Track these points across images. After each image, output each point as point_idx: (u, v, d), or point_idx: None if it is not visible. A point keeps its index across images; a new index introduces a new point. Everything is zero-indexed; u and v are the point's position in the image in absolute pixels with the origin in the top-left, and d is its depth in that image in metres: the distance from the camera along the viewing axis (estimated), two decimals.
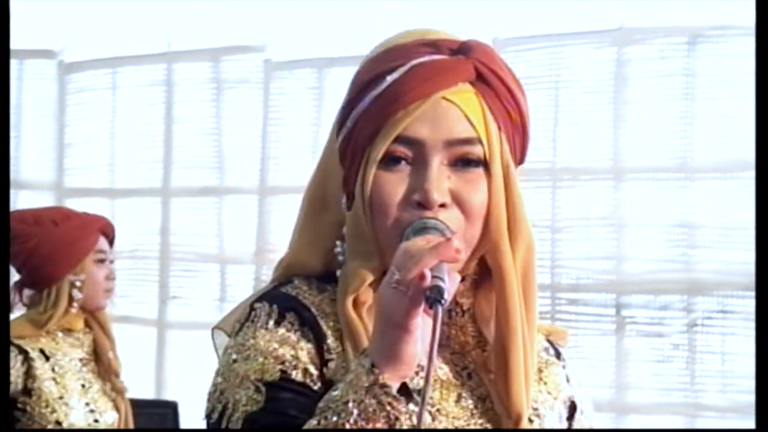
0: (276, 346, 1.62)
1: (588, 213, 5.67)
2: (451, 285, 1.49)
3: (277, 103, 6.16)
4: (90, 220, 4.02)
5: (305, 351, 1.63)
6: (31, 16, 6.66)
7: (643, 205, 5.56)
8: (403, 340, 1.49)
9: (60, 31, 6.72)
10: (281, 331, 1.64)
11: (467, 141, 1.64)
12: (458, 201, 1.63)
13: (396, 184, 1.63)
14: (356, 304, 1.64)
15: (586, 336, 5.62)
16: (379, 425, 1.48)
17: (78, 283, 3.91)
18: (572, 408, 1.82)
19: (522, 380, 1.66)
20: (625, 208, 5.58)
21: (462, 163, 1.64)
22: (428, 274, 1.46)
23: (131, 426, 3.99)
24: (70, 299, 3.91)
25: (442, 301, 1.46)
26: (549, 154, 5.71)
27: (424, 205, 1.60)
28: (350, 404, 1.49)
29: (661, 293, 5.50)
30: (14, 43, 6.70)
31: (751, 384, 5.28)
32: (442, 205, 1.61)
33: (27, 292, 3.98)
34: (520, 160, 1.72)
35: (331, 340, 1.65)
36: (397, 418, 1.49)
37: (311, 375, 1.62)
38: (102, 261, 3.97)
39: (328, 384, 1.59)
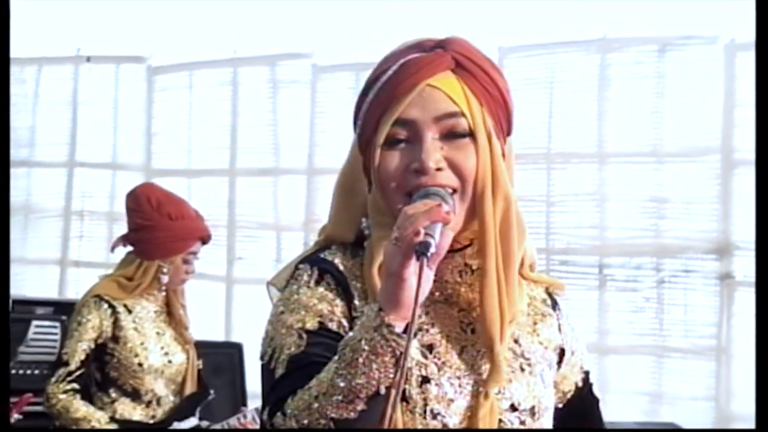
0: (315, 301, 1.64)
1: (576, 190, 5.66)
2: (443, 240, 1.50)
3: (322, 100, 6.18)
4: (195, 227, 3.96)
5: (339, 307, 1.64)
6: (127, 29, 6.68)
7: (621, 183, 5.55)
8: (399, 286, 1.49)
9: (148, 40, 6.73)
10: (320, 289, 1.65)
11: (452, 115, 1.64)
12: (452, 166, 1.62)
13: (397, 158, 1.63)
14: (380, 269, 1.61)
15: (574, 291, 5.60)
16: (386, 359, 1.47)
17: (165, 270, 3.91)
18: (561, 353, 1.80)
19: (495, 313, 1.63)
20: (607, 186, 5.58)
21: (451, 135, 1.64)
22: (421, 231, 1.47)
23: (195, 368, 3.99)
24: (156, 279, 3.91)
25: (428, 254, 1.47)
26: (545, 142, 5.70)
27: (421, 171, 1.61)
28: (362, 342, 1.48)
29: (636, 256, 5.49)
30: (112, 50, 6.80)
31: (708, 330, 5.28)
32: (439, 170, 1.62)
33: (125, 246, 3.98)
34: (507, 130, 1.73)
35: (357, 300, 1.65)
36: (401, 353, 1.48)
37: (344, 327, 1.62)
38: (189, 260, 3.96)
39: None
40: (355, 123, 1.72)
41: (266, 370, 1.62)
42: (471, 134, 1.64)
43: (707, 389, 5.25)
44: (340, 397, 1.48)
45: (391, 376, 1.48)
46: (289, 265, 1.74)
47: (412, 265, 1.49)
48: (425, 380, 1.61)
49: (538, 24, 5.66)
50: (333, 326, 1.62)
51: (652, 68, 5.49)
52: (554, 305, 1.81)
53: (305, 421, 1.49)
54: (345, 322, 1.63)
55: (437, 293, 1.66)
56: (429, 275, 1.51)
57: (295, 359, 1.58)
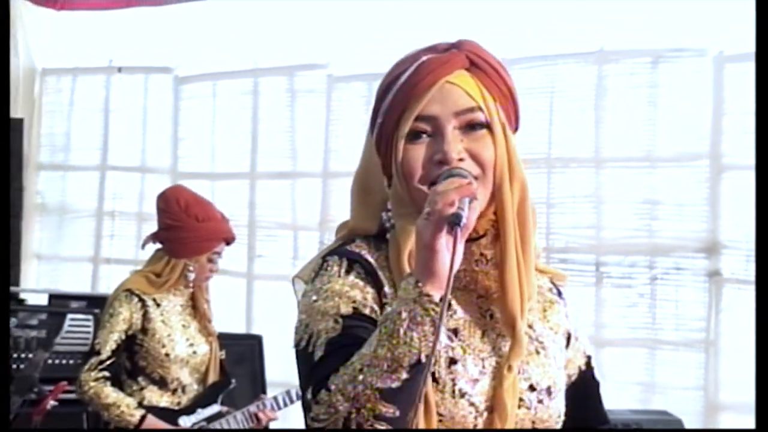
0: (348, 288, 1.63)
1: (575, 192, 5.63)
2: (472, 214, 1.52)
3: (336, 108, 6.17)
4: (220, 229, 3.97)
5: (370, 294, 1.64)
6: (155, 42, 6.71)
7: (617, 186, 5.52)
8: (433, 258, 1.49)
9: (175, 52, 6.75)
10: (351, 278, 1.64)
11: (470, 109, 1.65)
12: (473, 156, 1.64)
13: (420, 152, 1.64)
14: (409, 256, 1.64)
15: (573, 287, 5.58)
16: (426, 327, 1.47)
17: (191, 268, 3.92)
18: (568, 338, 1.81)
19: (516, 292, 1.65)
20: (603, 189, 5.55)
21: (470, 127, 1.65)
22: (455, 203, 1.49)
23: (218, 358, 4.00)
24: (183, 276, 3.92)
25: (461, 224, 1.48)
26: (545, 147, 5.68)
27: (445, 162, 1.62)
28: (403, 313, 1.48)
29: (630, 254, 5.47)
30: (141, 62, 6.83)
31: (697, 324, 5.27)
32: (461, 160, 1.63)
33: (155, 244, 3.99)
34: (515, 125, 1.74)
35: (387, 288, 1.65)
36: (440, 320, 1.48)
37: (375, 312, 1.62)
38: (213, 259, 3.97)
39: None
40: (373, 124, 1.72)
41: (303, 354, 1.60)
42: (488, 126, 1.66)
43: (697, 379, 5.24)
44: (384, 367, 1.47)
45: (431, 344, 1.48)
46: (314, 259, 1.73)
47: (443, 237, 1.49)
48: (452, 362, 1.61)
49: (540, 37, 5.66)
50: (366, 311, 1.61)
51: (645, 79, 5.47)
52: (559, 293, 1.83)
53: (352, 394, 1.47)
54: (377, 308, 1.62)
55: (457, 282, 1.64)
56: (459, 248, 1.50)
57: (332, 342, 1.57)
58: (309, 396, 1.53)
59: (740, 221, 5.21)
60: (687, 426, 4.38)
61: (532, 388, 1.67)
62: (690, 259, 5.32)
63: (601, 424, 1.83)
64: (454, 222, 1.48)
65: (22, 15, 6.99)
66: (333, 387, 1.49)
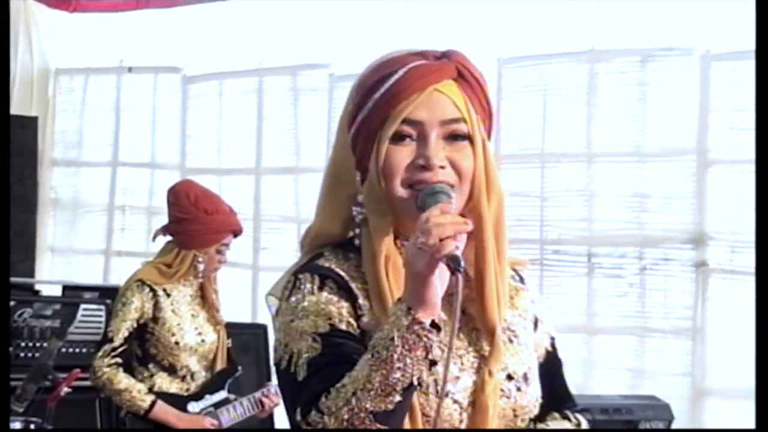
0: (323, 306, 1.60)
1: (567, 187, 5.63)
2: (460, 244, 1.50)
3: (338, 106, 6.10)
4: (228, 222, 3.95)
5: (345, 308, 1.60)
6: (164, 43, 6.70)
7: (607, 180, 5.51)
8: (426, 287, 1.49)
9: (183, 53, 6.74)
10: (324, 294, 1.61)
11: (456, 120, 1.63)
12: (453, 165, 1.62)
13: (404, 154, 1.62)
14: (385, 262, 1.61)
15: (566, 277, 5.59)
16: (419, 353, 1.47)
17: (200, 259, 3.91)
18: (535, 322, 1.79)
19: (495, 302, 1.64)
20: (594, 183, 5.54)
21: (452, 138, 1.63)
22: (451, 244, 1.47)
23: (225, 346, 4.00)
24: (192, 267, 3.91)
25: (461, 269, 1.47)
26: (539, 143, 5.67)
27: (427, 167, 1.60)
28: (395, 339, 1.47)
29: (621, 245, 5.46)
30: (150, 62, 6.83)
31: (685, 312, 5.27)
32: (441, 167, 1.61)
33: (164, 236, 3.99)
34: (489, 137, 1.72)
35: (361, 299, 1.62)
36: (431, 346, 1.48)
37: (352, 325, 1.60)
38: (221, 251, 3.96)
39: (363, 334, 1.59)
40: (351, 120, 1.69)
41: (286, 375, 1.58)
42: (469, 138, 1.64)
43: (684, 365, 5.24)
44: (378, 392, 1.47)
45: (423, 368, 1.48)
46: (285, 275, 1.69)
47: (438, 269, 1.48)
48: (433, 363, 1.56)
49: (533, 37, 5.66)
50: (342, 326, 1.59)
51: (635, 77, 5.46)
52: (521, 279, 1.81)
53: (345, 417, 1.47)
54: (353, 321, 1.60)
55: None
56: (460, 288, 1.49)
57: (314, 362, 1.55)
58: (298, 417, 1.52)
59: (726, 214, 5.21)
60: (675, 410, 4.37)
61: (509, 377, 1.66)
62: (677, 250, 5.31)
63: (565, 402, 1.80)
64: (454, 267, 1.47)
65: (36, 17, 6.98)
66: (325, 410, 1.49)
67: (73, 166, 7.14)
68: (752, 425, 5.08)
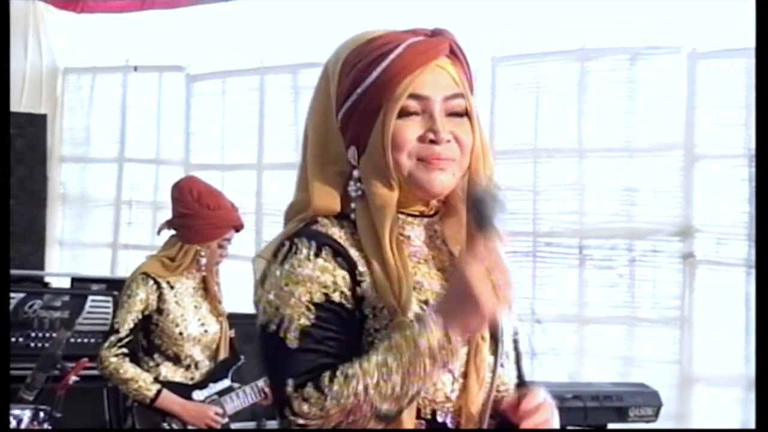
0: (318, 273, 1.54)
1: (559, 181, 5.64)
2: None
3: None
4: (230, 217, 3.93)
5: (341, 277, 1.55)
6: (169, 43, 6.70)
7: (598, 175, 5.53)
8: (476, 318, 1.49)
9: (187, 52, 6.74)
10: (320, 261, 1.55)
11: (456, 96, 1.61)
12: (456, 139, 1.59)
13: (413, 129, 1.58)
14: (390, 233, 1.58)
15: (558, 268, 5.60)
16: (442, 368, 1.50)
17: (203, 253, 3.91)
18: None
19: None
20: (585, 177, 5.55)
21: (454, 113, 1.60)
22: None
23: (228, 336, 4.00)
24: (195, 260, 3.92)
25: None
26: (531, 139, 5.69)
27: (436, 141, 1.58)
28: (425, 353, 1.47)
29: (611, 238, 5.47)
30: (155, 61, 6.82)
31: (673, 302, 5.28)
32: (448, 141, 1.59)
33: (168, 231, 3.98)
34: None
35: (360, 266, 1.57)
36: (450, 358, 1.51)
37: (346, 296, 1.55)
38: (223, 245, 3.96)
39: (359, 300, 1.55)
40: (344, 99, 1.63)
41: (274, 338, 1.53)
42: (467, 113, 1.62)
43: (672, 354, 5.25)
44: (392, 394, 1.46)
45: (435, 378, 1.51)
46: (277, 239, 1.63)
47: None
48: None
49: (526, 36, 5.66)
50: (336, 297, 1.54)
51: (624, 74, 5.47)
52: None
53: (349, 407, 1.46)
54: (347, 291, 1.55)
55: (416, 257, 1.63)
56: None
57: (307, 333, 1.52)
58: (289, 386, 1.50)
59: (712, 207, 5.22)
60: (663, 397, 4.38)
61: (494, 352, 1.64)
62: (666, 242, 5.33)
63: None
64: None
65: (45, 18, 6.98)
66: (329, 392, 1.47)
67: (81, 162, 7.14)
68: (738, 411, 5.12)
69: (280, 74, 6.45)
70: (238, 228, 4.00)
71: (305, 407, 1.49)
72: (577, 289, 5.50)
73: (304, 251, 1.56)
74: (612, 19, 5.41)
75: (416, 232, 1.64)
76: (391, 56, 1.59)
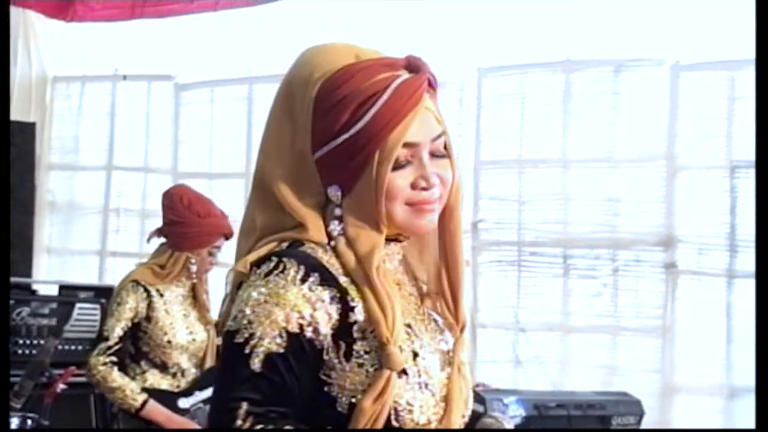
0: (301, 301, 1.51)
1: (544, 191, 5.64)
2: None
3: None
4: (220, 225, 3.93)
5: (322, 309, 1.52)
6: (158, 52, 6.70)
7: (582, 185, 5.53)
8: None
9: (176, 61, 6.75)
10: (305, 289, 1.52)
11: (440, 135, 1.60)
12: (440, 178, 1.60)
13: (404, 177, 1.57)
14: (378, 268, 1.57)
15: (542, 278, 5.61)
16: None
17: (193, 260, 3.91)
18: None
19: (463, 296, 1.66)
20: (570, 187, 5.56)
21: (437, 154, 1.60)
22: None
23: (215, 345, 4.01)
24: (185, 268, 3.92)
25: None
26: (517, 149, 5.69)
27: (427, 188, 1.58)
28: None
29: (595, 247, 5.48)
30: (144, 70, 6.81)
31: (655, 312, 5.29)
32: (435, 185, 1.59)
33: (158, 239, 3.99)
34: None
35: (351, 291, 1.55)
36: None
37: (318, 332, 1.52)
38: (213, 253, 3.97)
39: (351, 326, 1.53)
40: (324, 139, 1.58)
41: (238, 349, 1.50)
42: (447, 150, 1.62)
43: (654, 363, 5.26)
44: None
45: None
46: (261, 255, 1.57)
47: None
48: (415, 355, 1.57)
49: (512, 48, 5.68)
50: (309, 332, 1.51)
51: (608, 86, 5.49)
52: None
53: None
54: (321, 328, 1.52)
55: (392, 281, 1.62)
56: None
57: (272, 360, 1.49)
58: (227, 402, 1.49)
59: (694, 217, 5.25)
60: (645, 406, 4.40)
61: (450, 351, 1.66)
62: (648, 252, 5.34)
63: None
64: None
65: (35, 26, 6.97)
66: (250, 428, 1.48)
67: (70, 170, 7.13)
68: (719, 420, 5.14)
69: (268, 83, 6.44)
70: (228, 236, 4.01)
71: (228, 420, 1.49)
72: (561, 299, 5.51)
73: (292, 273, 1.53)
74: (596, 31, 5.44)
75: (389, 256, 1.64)
76: (381, 100, 1.55)
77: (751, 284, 4.98)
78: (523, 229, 5.67)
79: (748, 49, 5.02)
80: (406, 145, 1.57)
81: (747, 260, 4.99)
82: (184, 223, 3.87)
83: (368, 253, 1.56)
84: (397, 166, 1.57)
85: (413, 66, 1.61)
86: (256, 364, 1.49)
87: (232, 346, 1.52)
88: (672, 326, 5.24)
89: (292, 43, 6.38)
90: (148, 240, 4.04)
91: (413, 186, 1.58)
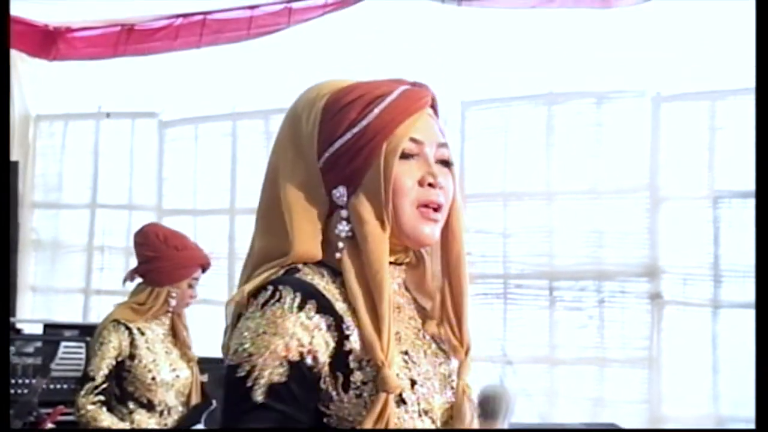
0: (299, 330, 1.50)
1: (529, 223, 5.66)
2: None
3: None
4: (197, 256, 3.96)
5: (320, 337, 1.52)
6: (141, 90, 6.72)
7: (566, 217, 5.56)
8: None
9: (159, 99, 6.76)
10: (302, 316, 1.51)
11: (445, 145, 1.63)
12: (444, 190, 1.60)
13: (411, 172, 1.58)
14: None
15: (528, 310, 5.61)
16: None
17: (173, 294, 3.92)
18: None
19: (468, 318, 1.65)
20: (554, 219, 5.58)
21: (441, 162, 1.62)
22: None
23: (199, 381, 4.00)
24: (166, 302, 3.93)
25: None
26: (501, 182, 5.72)
27: (434, 185, 1.58)
28: None
29: (580, 279, 5.50)
30: (128, 107, 6.81)
31: (641, 343, 5.30)
32: (441, 187, 1.59)
33: (135, 279, 3.98)
34: None
35: (346, 318, 1.53)
36: None
37: (317, 360, 1.51)
38: (192, 285, 3.98)
39: (347, 355, 1.52)
40: (330, 140, 1.60)
41: (240, 384, 1.50)
42: (449, 164, 1.63)
43: (641, 393, 5.27)
44: None
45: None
46: (256, 284, 1.57)
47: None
48: (414, 383, 1.56)
49: (495, 82, 5.72)
50: (309, 360, 1.50)
51: (590, 118, 5.53)
52: None
53: None
54: (320, 355, 1.51)
55: (393, 306, 1.59)
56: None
57: (276, 390, 1.49)
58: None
59: (678, 248, 5.27)
60: None
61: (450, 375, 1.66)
62: (633, 283, 5.36)
63: None
64: None
65: (17, 65, 6.98)
66: None
67: (54, 208, 7.12)
68: None
69: (252, 120, 6.47)
70: (205, 267, 4.03)
71: None
72: (548, 331, 5.52)
73: (288, 301, 1.52)
74: (578, 64, 5.49)
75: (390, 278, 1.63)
76: (389, 99, 1.59)
77: (735, 313, 5.01)
78: (509, 261, 5.68)
79: (729, 80, 5.10)
80: (414, 140, 1.59)
81: (731, 290, 5.02)
82: (163, 257, 3.89)
83: (373, 250, 1.55)
84: (404, 158, 1.58)
85: (418, 84, 1.66)
86: (259, 395, 1.49)
87: (234, 381, 1.51)
88: (658, 357, 5.25)
89: (276, 80, 6.44)
90: (124, 282, 4.04)
91: (420, 183, 1.58)
